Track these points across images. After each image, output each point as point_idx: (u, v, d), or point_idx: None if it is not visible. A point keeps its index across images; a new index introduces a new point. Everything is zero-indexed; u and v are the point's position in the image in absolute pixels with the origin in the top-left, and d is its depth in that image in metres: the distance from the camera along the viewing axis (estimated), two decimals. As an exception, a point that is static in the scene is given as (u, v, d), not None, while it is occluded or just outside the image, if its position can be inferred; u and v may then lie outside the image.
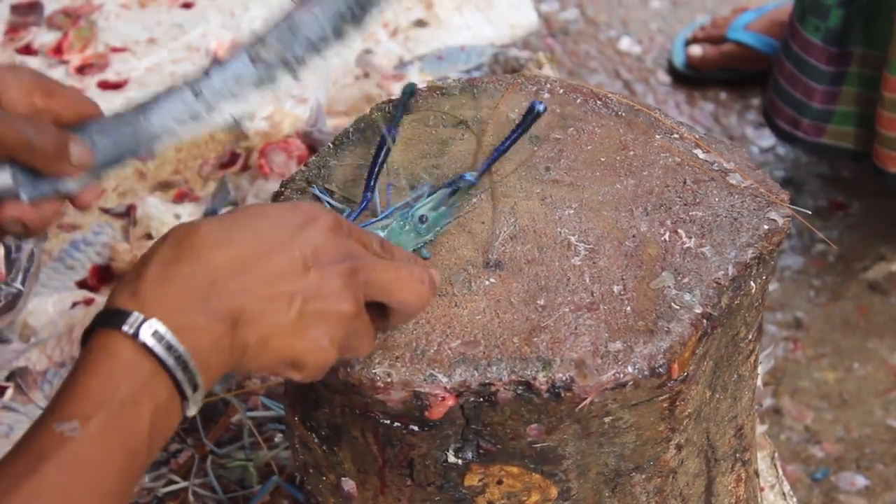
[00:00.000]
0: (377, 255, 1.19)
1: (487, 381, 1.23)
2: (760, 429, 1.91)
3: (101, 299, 2.08)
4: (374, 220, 1.34)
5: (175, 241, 1.09)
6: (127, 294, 1.05)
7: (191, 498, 1.80)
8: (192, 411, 1.06)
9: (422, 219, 1.34)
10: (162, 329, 1.03)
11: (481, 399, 1.24)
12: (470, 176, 1.39)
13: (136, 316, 1.03)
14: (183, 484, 1.82)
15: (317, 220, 1.14)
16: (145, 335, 1.02)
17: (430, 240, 1.35)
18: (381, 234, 1.31)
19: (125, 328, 1.02)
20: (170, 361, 1.03)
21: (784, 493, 1.83)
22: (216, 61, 1.34)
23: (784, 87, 2.56)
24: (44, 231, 1.31)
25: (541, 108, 1.41)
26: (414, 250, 1.33)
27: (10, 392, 1.93)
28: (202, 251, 1.08)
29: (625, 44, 3.27)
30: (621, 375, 1.24)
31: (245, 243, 1.10)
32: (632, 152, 1.45)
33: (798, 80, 2.53)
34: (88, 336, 1.05)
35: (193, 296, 1.05)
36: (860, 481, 2.33)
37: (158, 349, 1.02)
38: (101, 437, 0.99)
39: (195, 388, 1.05)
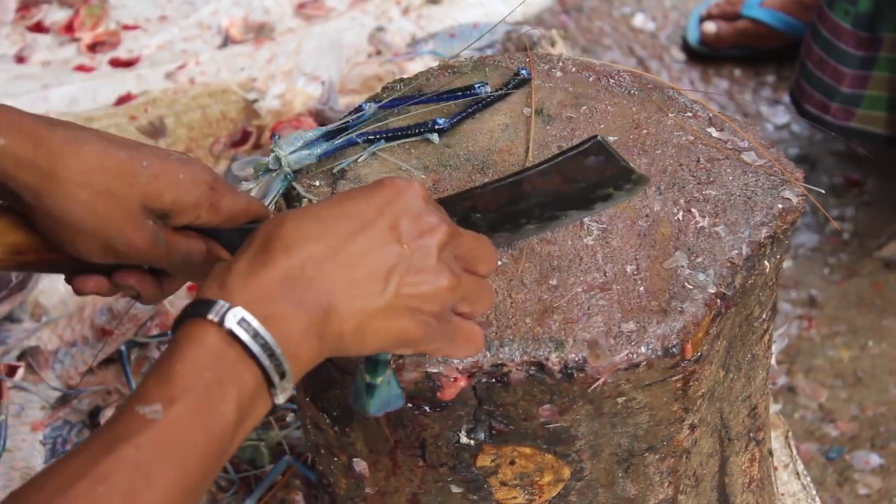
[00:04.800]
0: None
1: (500, 362, 1.23)
2: (774, 408, 1.90)
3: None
4: None
5: (263, 236, 1.08)
6: (215, 286, 1.05)
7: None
8: (282, 399, 1.06)
9: None
10: (248, 317, 1.03)
11: (493, 380, 1.24)
12: (441, 121, 1.42)
13: (221, 304, 1.03)
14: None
15: (403, 191, 1.12)
16: (231, 322, 1.02)
17: None
18: None
19: (211, 316, 1.02)
20: (255, 348, 1.03)
21: (798, 473, 1.83)
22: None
23: (812, 71, 2.54)
24: (157, 303, 1.31)
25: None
26: None
27: (21, 371, 1.93)
28: (290, 243, 1.07)
29: (639, 20, 3.25)
30: (634, 356, 1.23)
31: (332, 228, 1.09)
32: (645, 131, 1.44)
33: (827, 64, 2.51)
34: (178, 326, 1.05)
35: (281, 287, 1.05)
36: (875, 460, 2.33)
37: (244, 336, 1.02)
38: (184, 420, 0.99)
39: (283, 375, 1.04)
